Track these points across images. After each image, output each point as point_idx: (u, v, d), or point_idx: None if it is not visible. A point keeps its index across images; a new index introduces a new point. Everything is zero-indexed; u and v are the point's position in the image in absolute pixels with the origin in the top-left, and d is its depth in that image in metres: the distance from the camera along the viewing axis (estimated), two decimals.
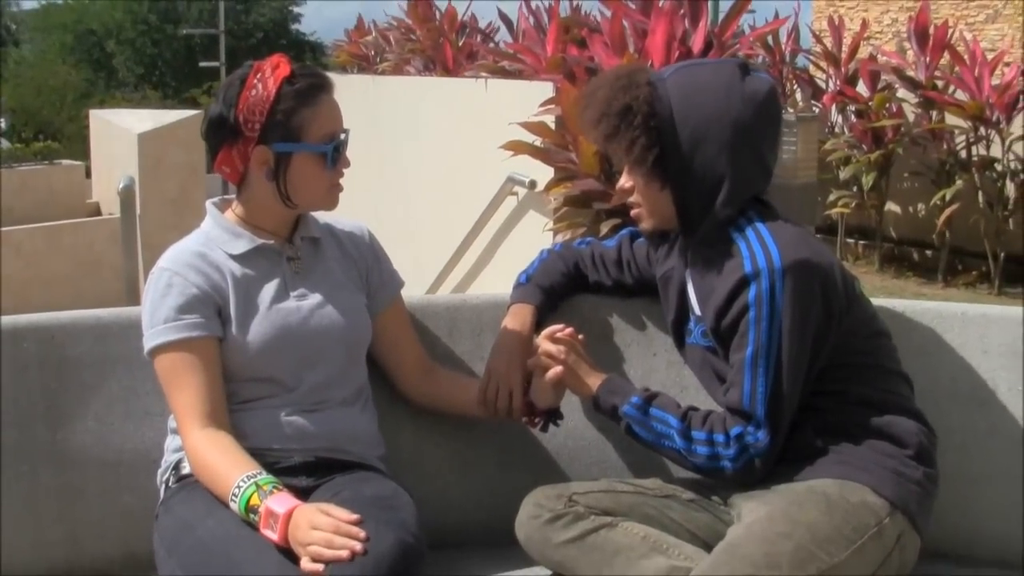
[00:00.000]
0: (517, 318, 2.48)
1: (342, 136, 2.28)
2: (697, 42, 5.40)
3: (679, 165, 2.21)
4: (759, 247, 2.16)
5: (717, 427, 2.17)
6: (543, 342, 2.34)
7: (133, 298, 6.63)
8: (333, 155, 2.26)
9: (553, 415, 2.42)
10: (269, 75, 2.22)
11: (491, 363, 2.44)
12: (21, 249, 11.57)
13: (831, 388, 2.21)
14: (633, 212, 2.35)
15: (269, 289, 2.28)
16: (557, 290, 2.55)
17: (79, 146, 18.74)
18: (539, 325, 2.48)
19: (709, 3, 6.07)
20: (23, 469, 2.38)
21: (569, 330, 2.35)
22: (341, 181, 2.31)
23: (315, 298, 2.31)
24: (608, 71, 2.37)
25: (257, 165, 2.25)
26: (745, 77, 2.23)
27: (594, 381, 2.31)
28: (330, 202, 2.32)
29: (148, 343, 2.22)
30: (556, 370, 2.31)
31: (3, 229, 11.52)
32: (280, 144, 2.22)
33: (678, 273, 2.38)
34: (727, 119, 2.19)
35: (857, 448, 2.19)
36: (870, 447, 2.18)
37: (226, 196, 2.39)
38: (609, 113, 2.23)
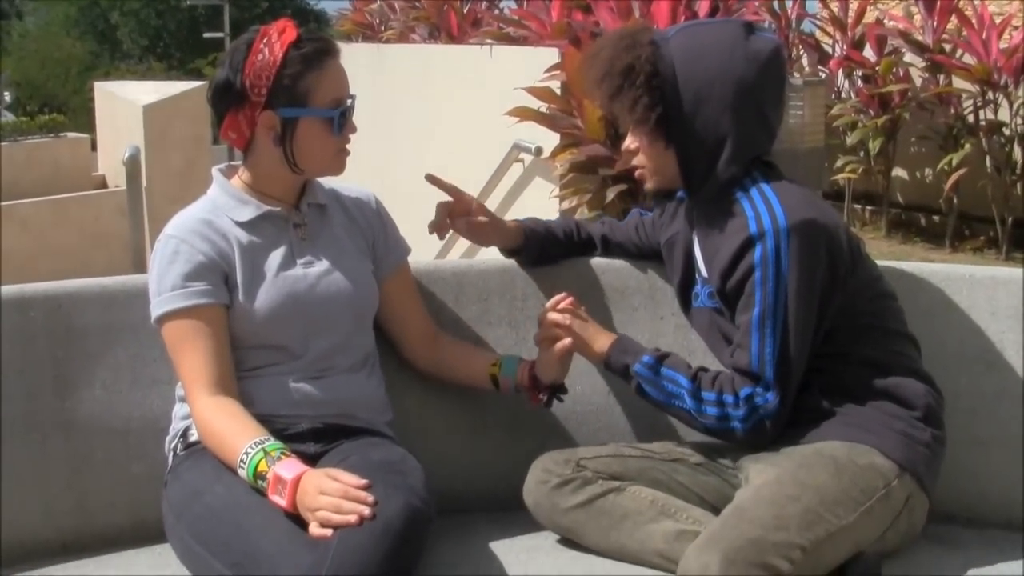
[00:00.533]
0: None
1: (348, 102, 2.27)
2: (703, 6, 5.37)
3: (682, 124, 2.21)
4: (764, 207, 2.15)
5: (727, 388, 2.17)
6: (548, 313, 2.34)
7: (140, 270, 6.64)
8: (340, 120, 2.25)
9: (557, 390, 2.41)
10: (276, 40, 2.21)
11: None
12: (28, 223, 11.57)
13: (838, 350, 2.21)
14: (637, 172, 2.35)
15: (276, 256, 2.27)
16: (554, 230, 2.59)
17: (84, 119, 18.74)
18: (523, 247, 2.55)
19: None
20: (31, 438, 2.39)
21: (571, 299, 2.35)
22: (348, 146, 2.31)
23: (322, 265, 2.31)
24: (612, 31, 2.36)
25: (264, 130, 2.24)
26: (749, 36, 2.22)
27: (604, 341, 2.31)
28: (337, 167, 2.31)
29: (155, 311, 2.22)
30: (565, 342, 2.31)
31: (10, 203, 11.53)
32: (287, 109, 2.21)
33: (683, 236, 2.38)
34: (730, 78, 2.18)
35: (865, 410, 2.19)
36: (878, 409, 2.18)
37: (232, 163, 2.38)
38: (612, 72, 2.23)
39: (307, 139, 2.24)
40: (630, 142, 2.32)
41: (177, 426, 2.30)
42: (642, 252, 2.59)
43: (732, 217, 2.20)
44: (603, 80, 2.26)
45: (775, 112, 2.28)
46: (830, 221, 2.18)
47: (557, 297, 2.35)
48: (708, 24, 2.36)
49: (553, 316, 2.33)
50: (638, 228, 2.58)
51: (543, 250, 2.58)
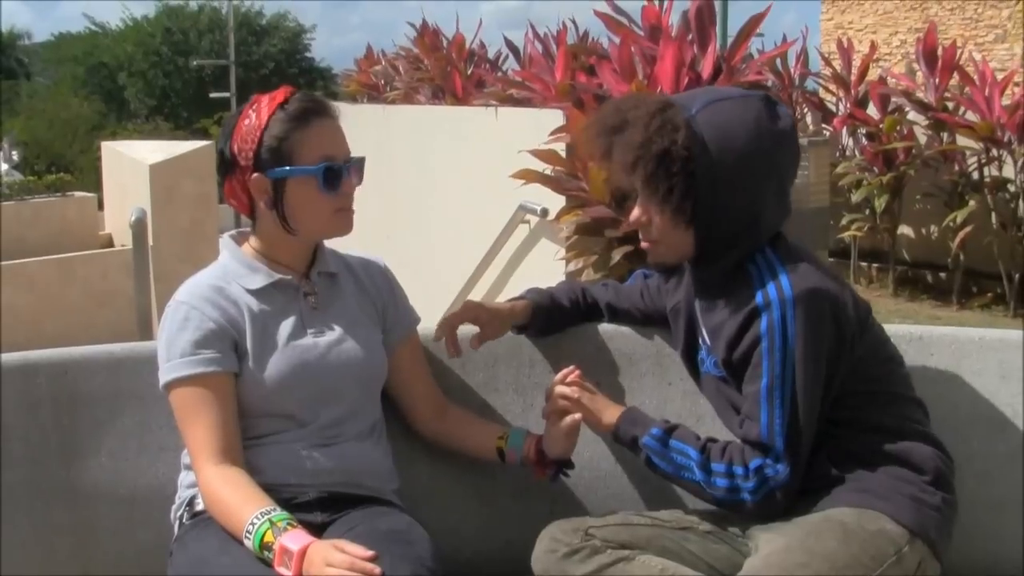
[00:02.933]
0: (513, 300, 2.54)
1: (343, 162, 2.24)
2: (706, 67, 5.40)
3: (711, 205, 2.16)
4: (769, 277, 2.14)
5: (736, 459, 2.15)
6: (557, 387, 2.33)
7: (145, 330, 6.63)
8: (327, 176, 2.21)
9: (564, 465, 2.39)
10: (264, 104, 2.22)
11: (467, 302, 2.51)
12: (34, 281, 11.59)
13: (845, 415, 2.19)
14: (646, 245, 2.31)
15: (286, 325, 2.26)
16: (559, 301, 2.57)
17: (91, 178, 18.81)
18: (531, 324, 2.53)
19: (717, 28, 6.06)
20: (36, 505, 2.37)
21: (578, 372, 2.33)
22: (352, 206, 2.28)
23: (332, 334, 2.30)
24: (633, 104, 2.25)
25: (257, 195, 2.23)
26: (772, 113, 2.19)
27: (613, 413, 2.30)
28: (338, 227, 2.28)
29: (164, 377, 2.21)
30: (574, 417, 2.29)
31: (17, 262, 11.56)
32: (273, 170, 2.20)
33: (686, 305, 2.37)
34: (759, 159, 2.15)
35: (873, 475, 2.17)
36: (887, 474, 2.16)
37: (243, 229, 2.37)
38: (647, 157, 2.15)
39: (297, 199, 2.22)
40: (640, 215, 2.25)
41: (183, 495, 2.28)
42: (648, 318, 2.57)
43: (738, 288, 2.19)
44: (636, 164, 2.17)
45: (791, 185, 2.27)
46: (835, 288, 2.16)
47: (565, 371, 2.34)
48: (732, 99, 2.23)
49: (561, 389, 2.31)
50: (643, 293, 2.57)
51: (550, 321, 2.57)
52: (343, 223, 2.28)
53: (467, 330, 2.51)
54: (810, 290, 2.12)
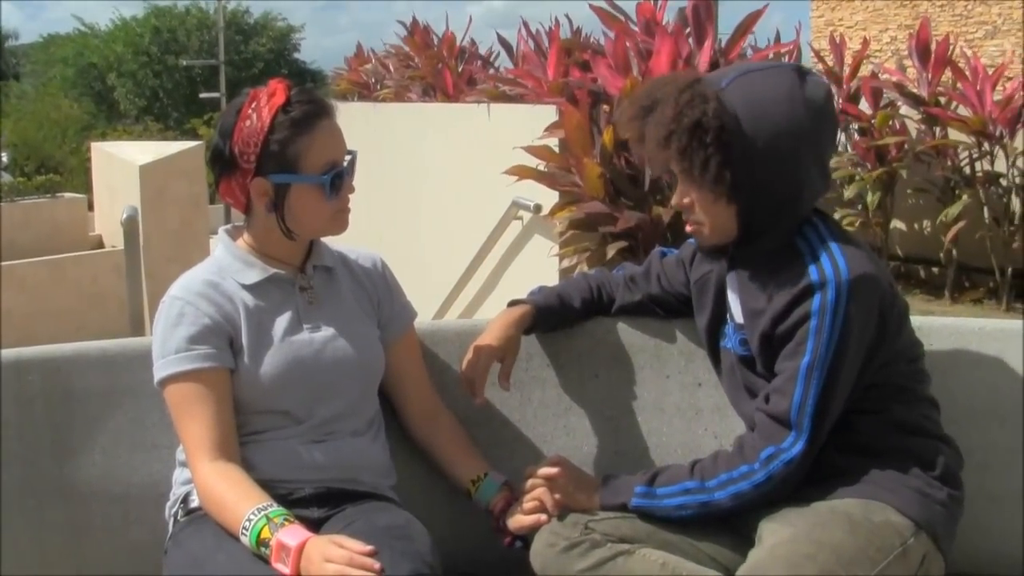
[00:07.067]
0: (513, 312, 2.48)
1: (344, 162, 2.22)
2: (702, 62, 5.38)
3: (750, 179, 2.11)
4: (826, 257, 2.10)
5: (735, 461, 2.14)
6: (536, 481, 2.27)
7: (138, 330, 6.60)
8: (333, 184, 2.20)
9: (520, 539, 2.32)
10: (264, 104, 2.17)
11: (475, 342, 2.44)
12: (25, 283, 11.56)
13: (869, 408, 2.17)
14: (693, 229, 2.23)
15: (282, 321, 2.24)
16: (565, 301, 2.53)
17: (81, 179, 18.76)
18: (535, 327, 2.50)
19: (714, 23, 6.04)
20: (29, 503, 2.35)
21: (558, 470, 2.27)
22: (348, 205, 2.27)
23: (328, 330, 2.27)
24: (664, 82, 2.20)
25: (257, 197, 2.20)
26: (803, 82, 2.14)
27: (591, 492, 2.26)
28: (337, 227, 2.27)
29: (158, 373, 2.19)
30: (539, 517, 2.25)
31: (7, 263, 11.53)
32: (277, 175, 2.17)
33: (717, 278, 2.32)
34: (795, 129, 2.10)
35: (880, 468, 2.15)
36: (894, 467, 2.15)
37: (238, 224, 2.34)
38: (679, 130, 2.10)
39: (300, 205, 2.20)
40: (682, 197, 2.19)
41: (178, 491, 2.26)
42: (668, 304, 2.54)
43: (786, 263, 2.14)
44: (669, 139, 2.12)
45: (830, 157, 2.23)
46: (885, 279, 2.14)
47: (547, 469, 2.27)
48: (763, 71, 2.19)
49: (537, 493, 2.26)
50: (659, 277, 2.53)
51: (556, 322, 2.55)
52: (341, 223, 2.27)
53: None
54: (866, 276, 2.08)
